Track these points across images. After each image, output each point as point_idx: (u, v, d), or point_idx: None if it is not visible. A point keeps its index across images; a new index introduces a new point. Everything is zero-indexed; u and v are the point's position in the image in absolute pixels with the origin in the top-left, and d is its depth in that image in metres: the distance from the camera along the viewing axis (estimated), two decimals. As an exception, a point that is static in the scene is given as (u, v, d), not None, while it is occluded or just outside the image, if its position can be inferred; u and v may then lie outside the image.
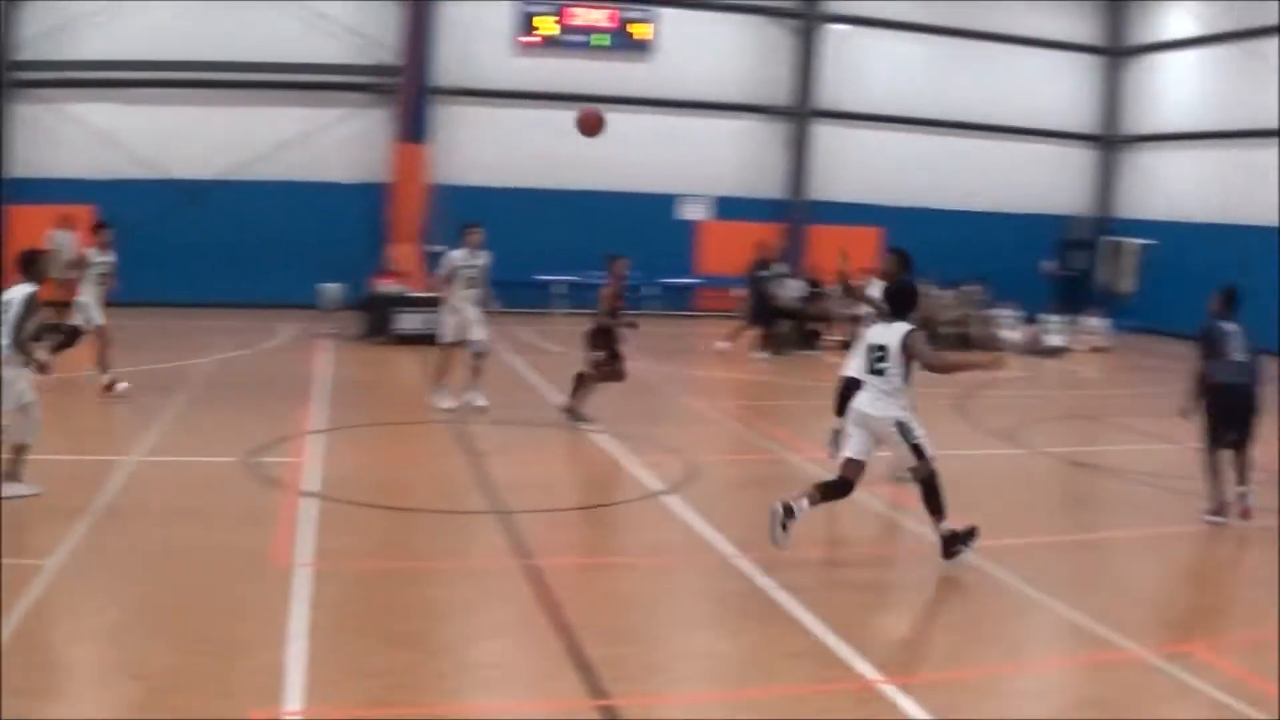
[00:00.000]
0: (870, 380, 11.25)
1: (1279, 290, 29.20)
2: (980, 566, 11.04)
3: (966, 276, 30.06)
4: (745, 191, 34.47)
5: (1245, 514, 13.18)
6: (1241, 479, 13.20)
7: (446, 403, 17.64)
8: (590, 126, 17.78)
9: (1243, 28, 32.87)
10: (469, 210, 30.26)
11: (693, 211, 34.06)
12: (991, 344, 28.53)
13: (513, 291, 26.45)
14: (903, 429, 11.06)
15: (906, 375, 11.09)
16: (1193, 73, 35.33)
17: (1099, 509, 14.16)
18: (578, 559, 11.25)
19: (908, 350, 10.99)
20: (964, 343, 29.16)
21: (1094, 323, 30.67)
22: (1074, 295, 34.72)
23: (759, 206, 34.27)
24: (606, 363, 17.09)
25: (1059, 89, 37.64)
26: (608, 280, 17.61)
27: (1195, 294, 30.01)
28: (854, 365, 12.77)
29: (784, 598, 9.91)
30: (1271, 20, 31.68)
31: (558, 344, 24.96)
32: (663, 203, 33.51)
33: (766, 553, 10.93)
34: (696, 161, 33.76)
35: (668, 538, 11.98)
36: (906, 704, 7.89)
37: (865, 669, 8.48)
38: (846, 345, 25.96)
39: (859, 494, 12.97)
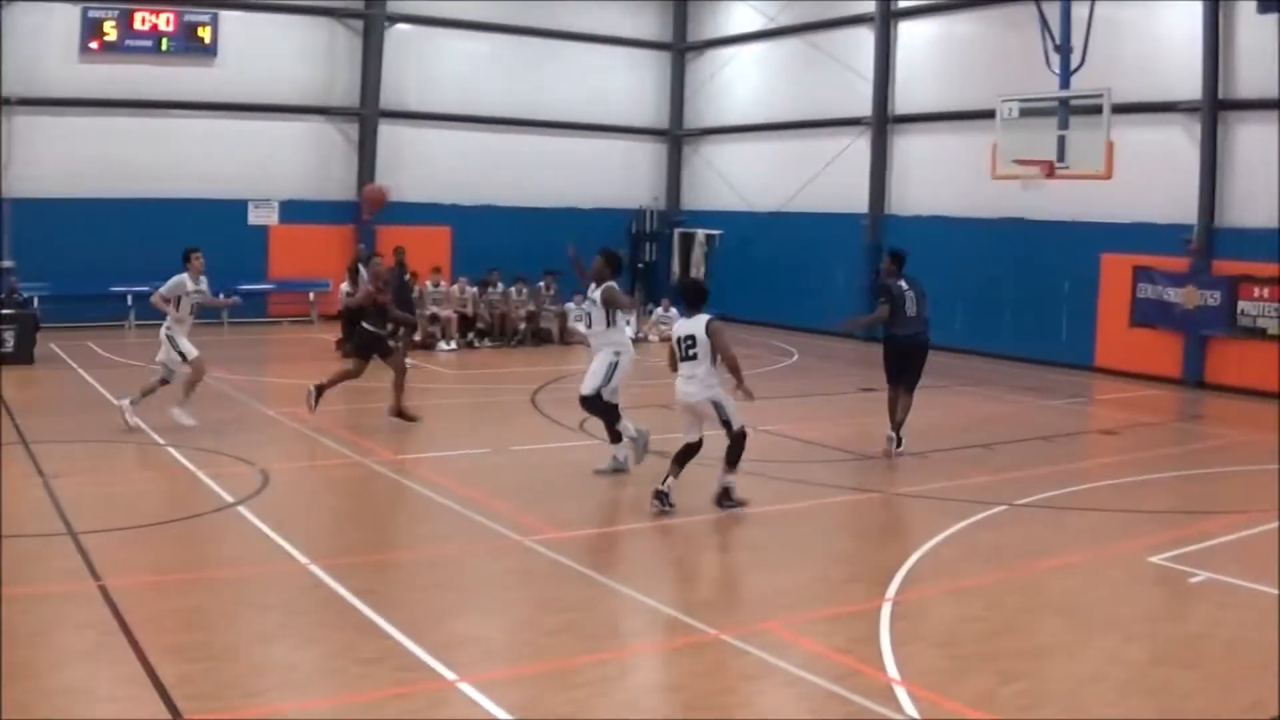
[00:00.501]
0: (684, 366, 13.25)
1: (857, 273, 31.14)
2: (556, 558, 11.29)
3: (539, 273, 30.47)
4: (313, 194, 33.96)
5: (887, 455, 14.96)
6: (899, 423, 16.24)
7: (188, 420, 17.28)
8: (373, 203, 19.29)
9: (801, 22, 34.66)
10: (38, 223, 29.24)
11: (262, 216, 33.38)
12: (566, 337, 29.16)
13: (86, 305, 25.64)
14: (717, 407, 13.13)
15: (714, 359, 13.11)
16: (757, 65, 36.91)
17: (674, 493, 14.47)
18: (152, 577, 10.89)
19: (712, 337, 13.07)
20: (539, 337, 29.71)
21: (665, 313, 31.50)
22: (647, 287, 35.64)
23: (327, 209, 33.83)
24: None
25: (627, 85, 38.69)
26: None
27: (763, 281, 31.88)
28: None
29: (358, 603, 9.91)
30: (829, 15, 33.47)
31: (130, 356, 24.13)
32: (234, 208, 32.66)
33: (338, 559, 10.96)
34: (264, 165, 33.02)
35: (242, 550, 11.79)
36: (485, 702, 8.00)
37: (442, 669, 8.57)
38: (421, 345, 26.31)
39: (430, 493, 13.12)
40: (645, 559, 11.97)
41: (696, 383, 13.18)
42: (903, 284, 16.87)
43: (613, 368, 14.86)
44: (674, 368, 13.53)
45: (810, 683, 8.39)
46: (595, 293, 15.02)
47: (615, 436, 15.10)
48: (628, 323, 16.72)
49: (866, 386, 21.07)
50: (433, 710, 7.98)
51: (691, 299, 13.58)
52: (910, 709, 7.98)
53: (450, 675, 8.46)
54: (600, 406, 15.04)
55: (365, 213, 18.26)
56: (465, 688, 8.25)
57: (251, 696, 8.24)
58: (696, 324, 13.21)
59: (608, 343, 15.05)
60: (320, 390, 18.16)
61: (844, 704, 8.08)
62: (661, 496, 13.13)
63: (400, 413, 18.28)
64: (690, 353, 13.18)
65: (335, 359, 23.34)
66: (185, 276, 17.96)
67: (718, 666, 8.86)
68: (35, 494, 13.55)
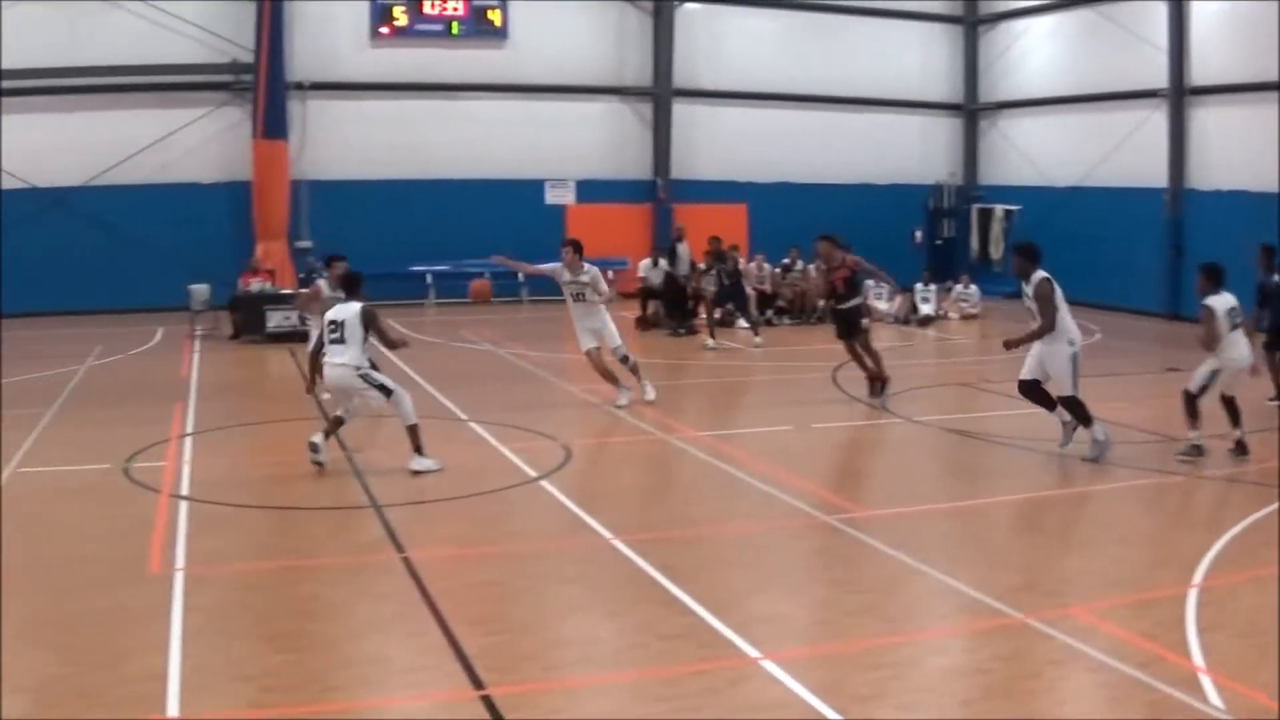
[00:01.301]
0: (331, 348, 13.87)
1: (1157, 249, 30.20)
2: (860, 538, 11.31)
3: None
4: (609, 174, 34.55)
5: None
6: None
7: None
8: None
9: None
10: (335, 204, 30.55)
11: (559, 196, 34.09)
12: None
13: (384, 285, 26.51)
14: (365, 377, 13.83)
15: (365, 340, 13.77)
16: (1049, 39, 35.89)
17: (974, 476, 14.41)
18: (455, 550, 11.27)
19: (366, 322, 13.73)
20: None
21: (965, 290, 31.16)
22: (944, 264, 35.20)
23: (623, 188, 34.41)
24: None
25: (919, 59, 38.03)
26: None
27: (1061, 258, 30.98)
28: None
29: (661, 579, 10.06)
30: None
31: (429, 334, 25.03)
32: (529, 188, 33.50)
33: (643, 535, 11.15)
34: (559, 145, 33.79)
35: (545, 524, 12.12)
36: (787, 680, 8.02)
37: (745, 646, 8.62)
38: (723, 323, 26.65)
39: (733, 470, 13.28)
40: (947, 540, 11.80)
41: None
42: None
43: (1074, 360, 14.28)
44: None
45: (1113, 669, 8.19)
46: (1029, 288, 14.45)
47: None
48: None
49: (1172, 366, 20.37)
50: (733, 687, 8.02)
51: (350, 287, 14.44)
52: (1215, 698, 7.73)
53: (753, 653, 8.51)
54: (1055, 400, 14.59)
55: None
56: (767, 665, 8.28)
57: (552, 670, 8.43)
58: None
59: (1061, 332, 14.28)
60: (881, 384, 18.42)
61: (1147, 691, 7.87)
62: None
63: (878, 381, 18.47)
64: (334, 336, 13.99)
65: (635, 336, 23.81)
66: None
67: (1021, 651, 8.71)
68: (340, 468, 14.19)
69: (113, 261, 29.53)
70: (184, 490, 13.03)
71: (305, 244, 30.74)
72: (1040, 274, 14.34)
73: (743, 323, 27.68)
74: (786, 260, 29.97)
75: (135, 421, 16.65)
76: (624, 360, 18.16)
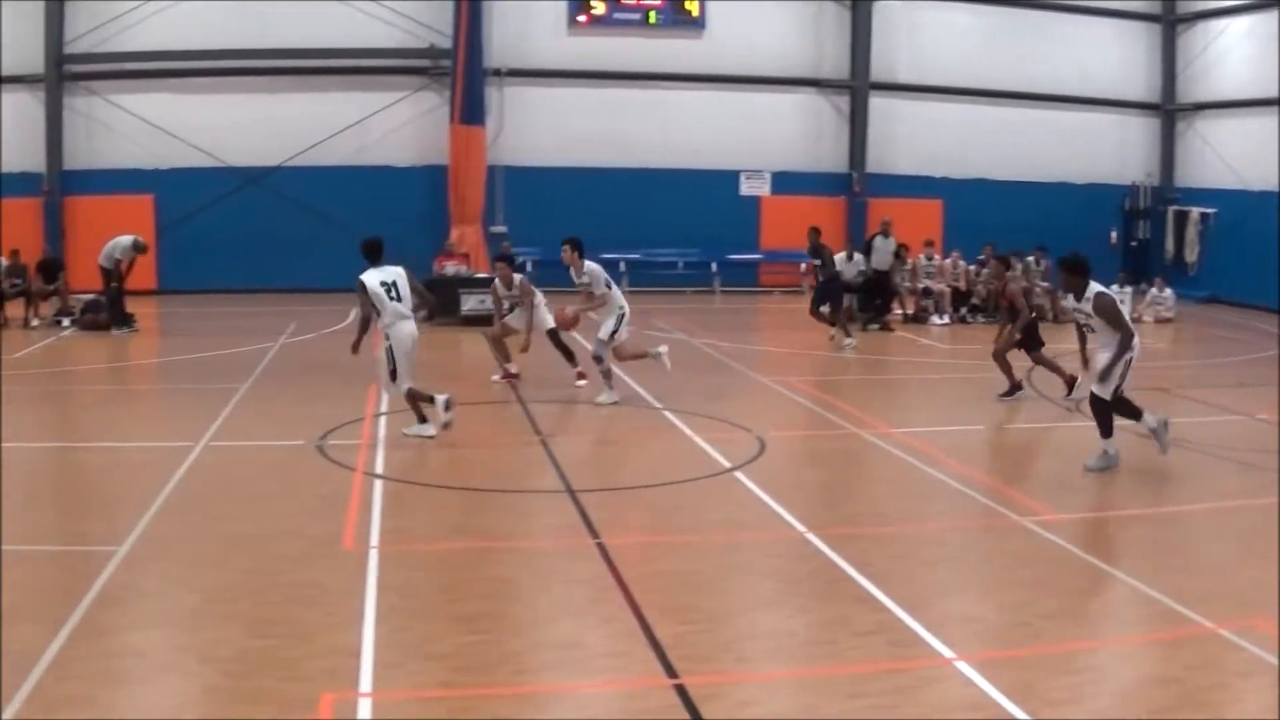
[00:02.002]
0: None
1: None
2: (1054, 541, 10.94)
3: (1028, 248, 29.68)
4: (805, 166, 34.23)
5: None
6: None
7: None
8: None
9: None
10: (529, 190, 30.79)
11: (755, 187, 33.88)
12: (1058, 314, 28.30)
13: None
14: None
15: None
16: (1247, 39, 34.54)
17: (1165, 482, 13.91)
18: (648, 537, 11.14)
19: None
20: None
21: (1160, 293, 30.26)
22: (1139, 266, 34.26)
23: (818, 181, 34.07)
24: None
25: (1116, 57, 36.91)
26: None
27: (1257, 262, 29.98)
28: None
29: (855, 575, 9.82)
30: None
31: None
32: (725, 179, 33.38)
33: (836, 530, 10.91)
34: (755, 137, 33.59)
35: (738, 515, 11.92)
36: (980, 682, 7.77)
37: (939, 646, 8.39)
38: (913, 318, 26.20)
39: (927, 468, 12.93)
40: (1139, 545, 11.42)
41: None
42: None
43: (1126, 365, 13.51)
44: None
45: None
46: (1086, 305, 13.55)
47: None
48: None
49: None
50: (926, 687, 7.81)
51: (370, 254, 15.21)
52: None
53: (947, 653, 8.26)
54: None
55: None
56: (961, 666, 8.04)
57: (744, 662, 8.30)
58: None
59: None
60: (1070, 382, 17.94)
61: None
62: None
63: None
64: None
65: (820, 329, 23.62)
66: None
67: (1212, 661, 8.31)
68: (533, 452, 14.14)
69: (307, 241, 30.14)
70: (377, 469, 13.06)
71: (500, 229, 31.00)
72: (1096, 288, 13.48)
73: (936, 319, 27.19)
74: (981, 257, 29.36)
75: (328, 399, 16.86)
76: (597, 360, 17.61)
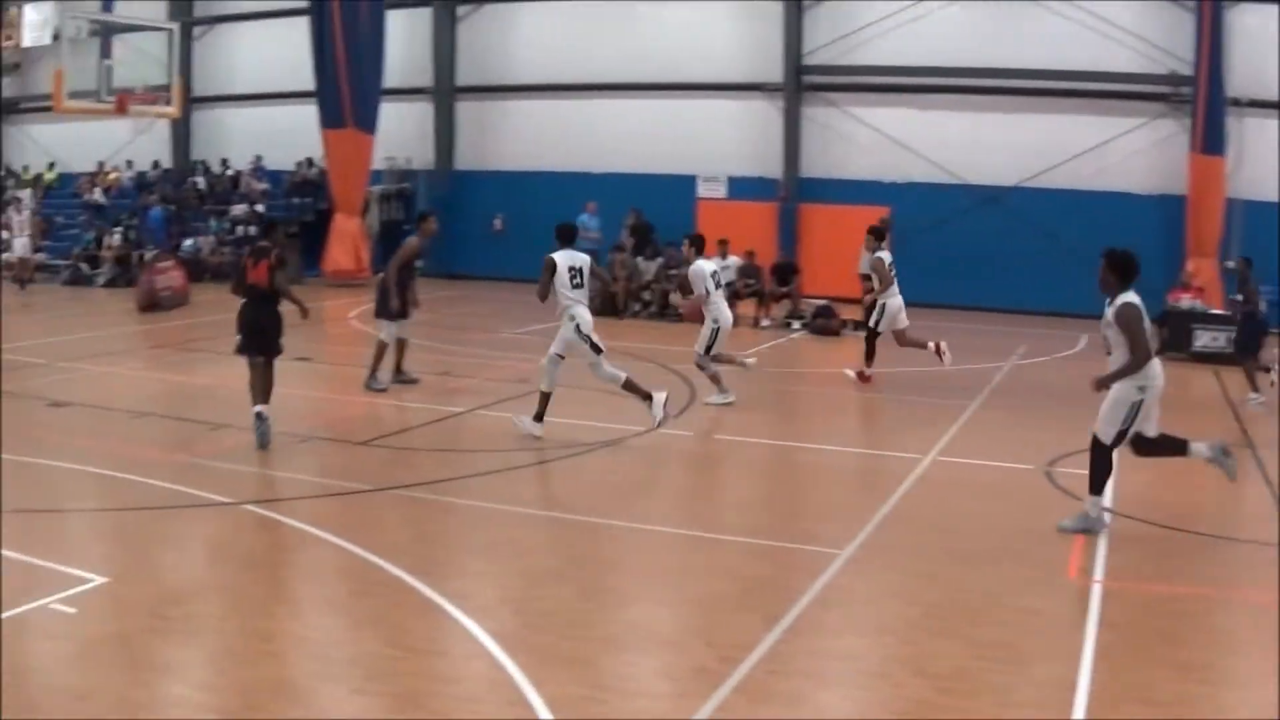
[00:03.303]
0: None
1: None
2: None
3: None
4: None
5: None
6: None
7: None
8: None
9: None
10: (1266, 226, 28.81)
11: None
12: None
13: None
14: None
15: None
16: None
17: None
18: None
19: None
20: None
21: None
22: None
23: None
24: None
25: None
26: None
27: None
28: None
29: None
30: None
31: None
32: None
33: None
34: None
35: None
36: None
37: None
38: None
39: None
40: None
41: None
42: None
43: (1136, 407, 11.51)
44: None
45: None
46: (1109, 311, 11.80)
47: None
48: None
49: None
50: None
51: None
52: None
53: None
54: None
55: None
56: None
57: None
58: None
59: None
60: None
61: None
62: None
63: None
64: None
65: None
66: None
67: None
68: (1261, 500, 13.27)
69: (1038, 263, 29.80)
70: (1105, 502, 12.67)
71: (1231, 264, 29.36)
72: (1128, 296, 11.56)
73: None
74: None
75: (1058, 425, 16.46)
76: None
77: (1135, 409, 11.35)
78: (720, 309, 17.71)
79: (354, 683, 7.80)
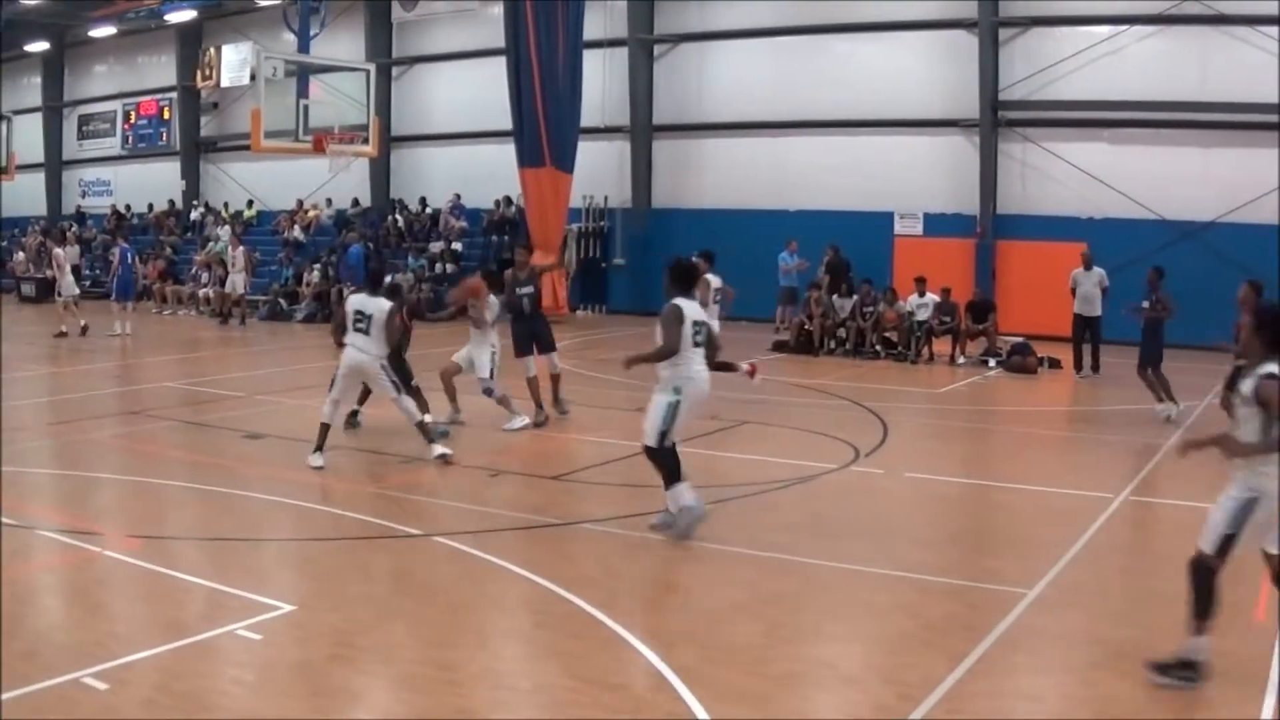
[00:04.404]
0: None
1: None
2: None
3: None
4: None
5: None
6: None
7: None
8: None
9: None
10: None
11: None
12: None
13: None
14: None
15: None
16: None
17: None
18: None
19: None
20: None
21: None
22: None
23: None
24: None
25: None
26: None
27: None
28: None
29: None
30: None
31: None
32: None
33: None
34: None
35: None
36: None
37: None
38: None
39: None
40: None
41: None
42: None
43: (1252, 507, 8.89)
44: None
45: None
46: (1249, 380, 8.59)
47: None
48: None
49: None
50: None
51: None
52: None
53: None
54: None
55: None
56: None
57: None
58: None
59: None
60: None
61: None
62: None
63: None
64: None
65: None
66: None
67: None
68: None
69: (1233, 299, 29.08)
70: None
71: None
72: (1272, 367, 8.36)
73: None
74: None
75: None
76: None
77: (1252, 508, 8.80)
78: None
79: (533, 712, 8.10)
